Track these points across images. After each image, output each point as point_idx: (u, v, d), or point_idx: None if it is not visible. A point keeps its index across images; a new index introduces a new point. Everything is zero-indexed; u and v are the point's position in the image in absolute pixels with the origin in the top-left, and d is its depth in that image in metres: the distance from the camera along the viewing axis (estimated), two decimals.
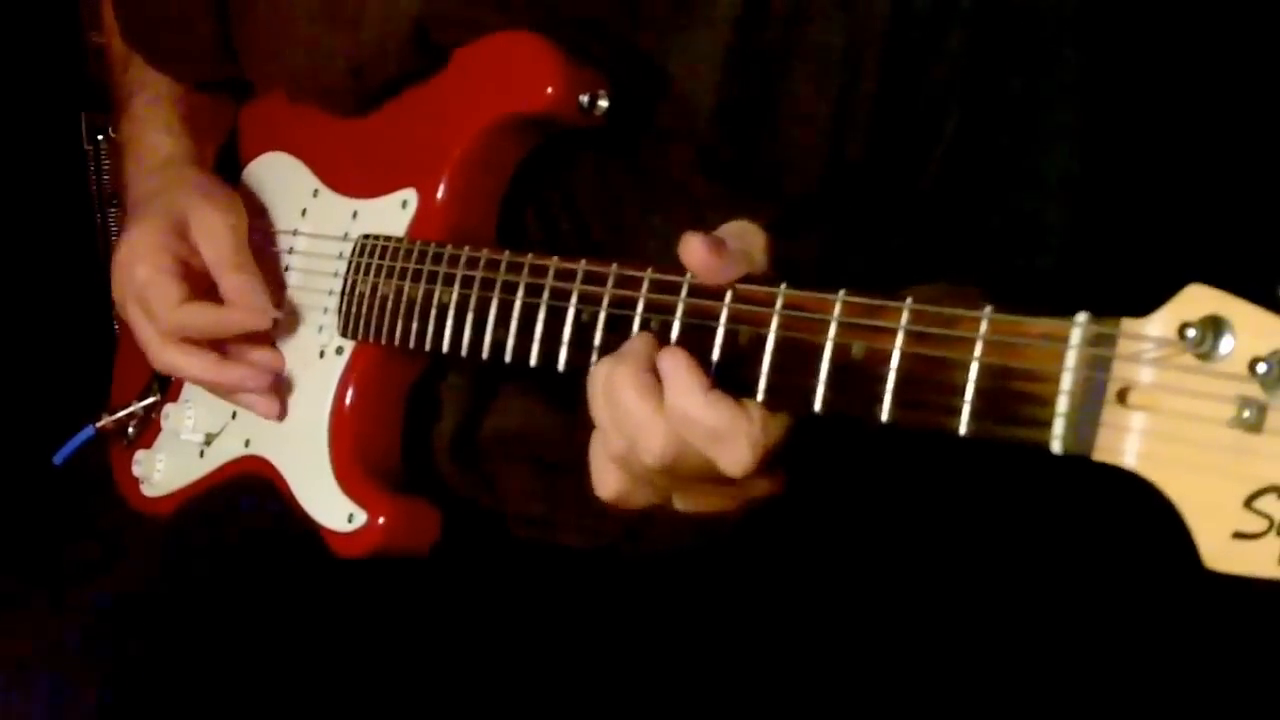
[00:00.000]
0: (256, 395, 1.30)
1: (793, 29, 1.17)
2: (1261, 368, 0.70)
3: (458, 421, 1.28)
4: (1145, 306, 0.76)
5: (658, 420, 0.93)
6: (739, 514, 1.03)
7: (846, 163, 1.20)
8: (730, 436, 0.92)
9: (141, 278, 1.30)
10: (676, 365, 0.94)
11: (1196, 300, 0.73)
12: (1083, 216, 1.25)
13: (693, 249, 0.95)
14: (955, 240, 1.24)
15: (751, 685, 1.26)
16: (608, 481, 0.99)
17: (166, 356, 1.31)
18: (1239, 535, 0.70)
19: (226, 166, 1.47)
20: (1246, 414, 0.70)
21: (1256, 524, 0.69)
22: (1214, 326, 0.72)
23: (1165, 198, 1.53)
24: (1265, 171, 1.56)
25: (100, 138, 2.00)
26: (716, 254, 0.95)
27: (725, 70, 1.18)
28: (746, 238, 0.99)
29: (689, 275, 0.98)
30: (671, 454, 0.94)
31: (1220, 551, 0.70)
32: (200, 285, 1.31)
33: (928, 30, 1.18)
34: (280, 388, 1.31)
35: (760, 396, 0.92)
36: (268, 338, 1.32)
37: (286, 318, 1.32)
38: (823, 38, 1.17)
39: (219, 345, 1.31)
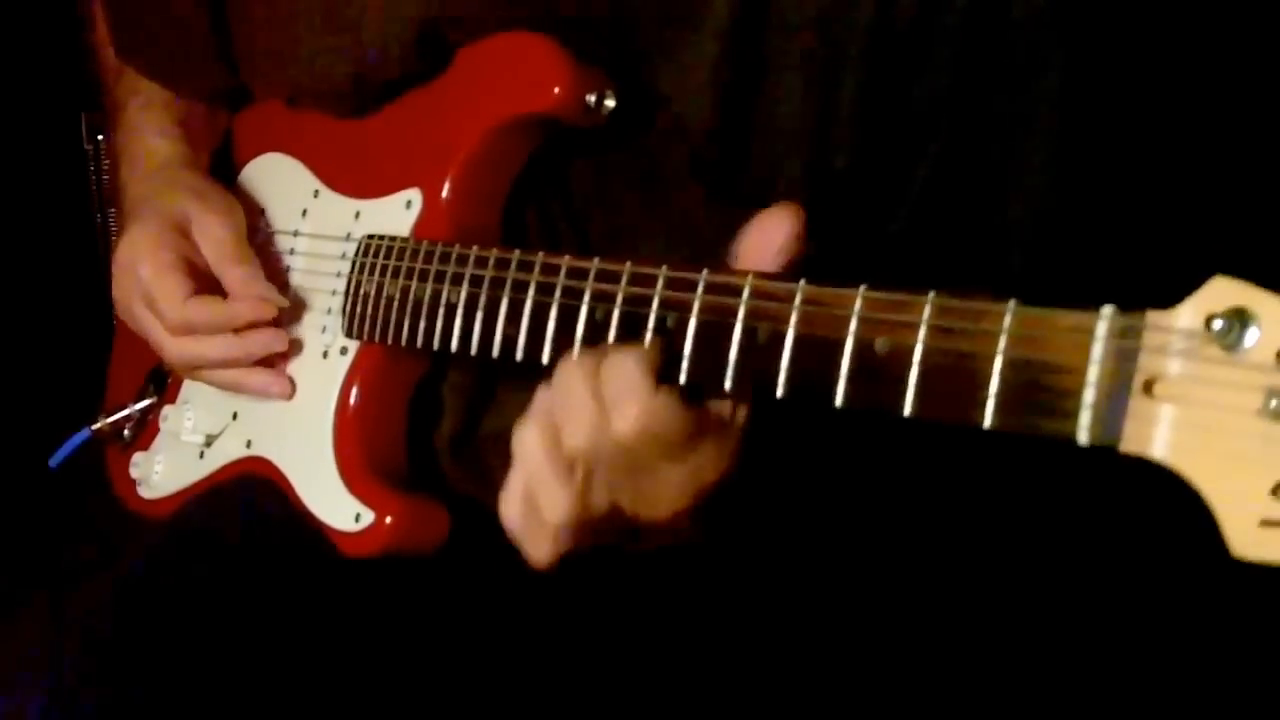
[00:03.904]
0: (271, 376, 1.30)
1: (779, 39, 1.18)
2: None
3: (459, 421, 1.28)
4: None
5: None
6: (699, 506, 1.04)
7: (833, 171, 1.21)
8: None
9: (146, 276, 1.30)
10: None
11: (1222, 292, 0.73)
12: (1064, 227, 1.26)
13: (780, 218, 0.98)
14: (939, 250, 1.25)
15: (754, 685, 1.26)
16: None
17: (180, 347, 1.31)
18: (1267, 523, 0.71)
19: (219, 174, 1.46)
20: (1274, 403, 0.71)
21: None
22: (1240, 318, 0.72)
23: (1149, 210, 1.55)
24: (1252, 181, 1.58)
25: (100, 138, 1.99)
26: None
27: (716, 76, 1.19)
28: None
29: (704, 272, 0.98)
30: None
31: (1248, 540, 0.71)
32: (204, 284, 1.31)
33: (911, 45, 1.19)
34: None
35: (780, 392, 0.92)
36: None
37: (289, 318, 1.32)
38: (807, 48, 1.18)
39: None
